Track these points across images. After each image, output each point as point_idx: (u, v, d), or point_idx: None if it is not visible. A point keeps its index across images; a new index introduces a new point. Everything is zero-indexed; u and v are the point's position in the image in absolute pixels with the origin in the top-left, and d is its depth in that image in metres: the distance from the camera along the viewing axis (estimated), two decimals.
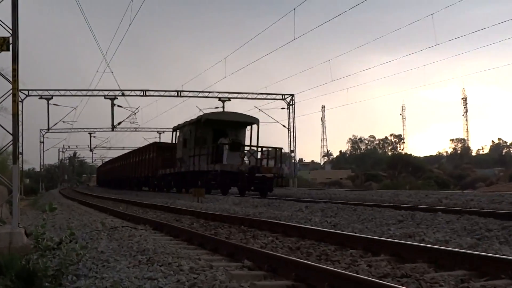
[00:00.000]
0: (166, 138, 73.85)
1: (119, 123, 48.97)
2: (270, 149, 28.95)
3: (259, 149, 29.32)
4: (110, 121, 46.86)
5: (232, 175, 27.40)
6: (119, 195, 37.32)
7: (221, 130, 30.21)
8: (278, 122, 51.23)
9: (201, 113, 34.57)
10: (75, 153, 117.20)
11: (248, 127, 31.06)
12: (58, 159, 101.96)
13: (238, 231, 11.65)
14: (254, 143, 30.09)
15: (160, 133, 74.18)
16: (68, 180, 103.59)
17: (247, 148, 29.24)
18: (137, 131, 68.69)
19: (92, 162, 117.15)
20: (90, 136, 75.69)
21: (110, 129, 48.64)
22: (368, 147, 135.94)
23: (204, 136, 30.14)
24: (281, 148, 29.46)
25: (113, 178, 64.72)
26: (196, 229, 11.60)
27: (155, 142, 48.37)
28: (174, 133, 35.42)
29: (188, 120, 32.61)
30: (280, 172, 28.44)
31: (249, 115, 31.92)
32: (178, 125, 34.28)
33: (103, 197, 33.47)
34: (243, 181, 27.32)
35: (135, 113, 51.16)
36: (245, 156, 28.87)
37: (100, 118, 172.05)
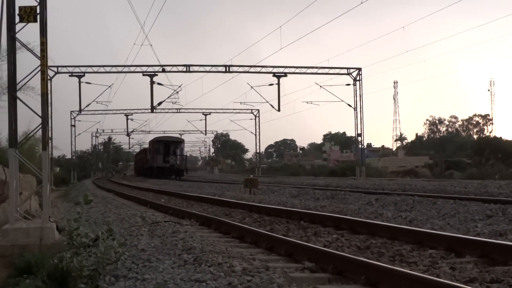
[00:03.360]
0: (213, 119, 76.05)
1: (160, 104, 49.91)
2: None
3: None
4: (149, 101, 47.51)
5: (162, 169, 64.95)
6: (159, 186, 38.78)
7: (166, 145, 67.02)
8: (342, 101, 51.00)
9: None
10: (110, 138, 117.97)
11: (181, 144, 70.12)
12: (91, 144, 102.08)
13: (297, 227, 11.79)
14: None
15: (206, 115, 74.87)
16: (103, 169, 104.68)
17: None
18: (179, 112, 70.02)
19: (130, 148, 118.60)
20: (127, 119, 76.64)
21: (149, 111, 49.37)
22: (449, 129, 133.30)
23: (157, 148, 67.11)
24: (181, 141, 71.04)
25: (146, 167, 71.56)
26: (248, 225, 11.77)
27: (154, 139, 69.85)
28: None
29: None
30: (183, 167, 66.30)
31: (178, 137, 75.64)
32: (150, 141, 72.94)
33: (142, 188, 34.72)
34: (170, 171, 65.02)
35: (178, 92, 52.39)
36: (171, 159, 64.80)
37: (138, 98, 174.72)
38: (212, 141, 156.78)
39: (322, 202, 18.30)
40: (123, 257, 8.26)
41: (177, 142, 69.81)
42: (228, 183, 39.38)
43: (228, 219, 13.17)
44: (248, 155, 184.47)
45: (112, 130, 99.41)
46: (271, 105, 52.58)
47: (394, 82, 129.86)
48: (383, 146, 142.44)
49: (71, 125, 69.21)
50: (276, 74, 49.90)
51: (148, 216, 13.95)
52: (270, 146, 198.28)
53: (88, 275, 7.63)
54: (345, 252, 8.11)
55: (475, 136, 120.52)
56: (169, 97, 51.72)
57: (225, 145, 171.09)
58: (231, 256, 7.79)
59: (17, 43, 12.30)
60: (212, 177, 68.99)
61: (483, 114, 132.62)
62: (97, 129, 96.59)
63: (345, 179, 42.31)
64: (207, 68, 49.37)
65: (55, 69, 47.87)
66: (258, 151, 78.36)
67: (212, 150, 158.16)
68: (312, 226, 11.68)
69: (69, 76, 48.19)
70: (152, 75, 47.24)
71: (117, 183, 49.66)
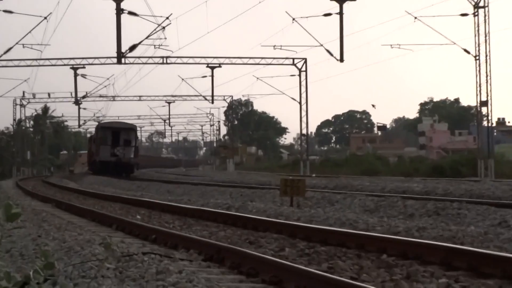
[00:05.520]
0: (226, 75, 69.87)
1: (133, 48, 36.07)
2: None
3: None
4: (115, 44, 32.97)
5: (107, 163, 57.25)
6: (134, 191, 32.34)
7: (115, 133, 59.12)
8: (453, 43, 36.98)
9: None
10: (46, 108, 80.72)
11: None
12: (13, 119, 68.72)
13: (375, 265, 8.63)
14: None
15: (212, 68, 55.24)
16: (33, 163, 74.34)
17: None
18: (167, 63, 51.91)
19: (80, 126, 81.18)
20: (76, 74, 53.66)
21: (115, 60, 36.62)
22: None
23: (103, 137, 58.97)
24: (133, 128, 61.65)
25: (92, 160, 63.14)
26: (291, 260, 8.89)
27: (99, 125, 62.83)
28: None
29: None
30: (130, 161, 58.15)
31: (131, 124, 67.39)
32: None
33: (103, 196, 26.75)
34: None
35: (164, 28, 38.40)
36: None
37: (97, 40, 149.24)
38: (225, 113, 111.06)
39: (419, 221, 13.54)
40: None
41: (129, 130, 61.48)
42: (253, 187, 29.24)
43: (254, 250, 9.86)
44: (287, 139, 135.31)
45: (49, 95, 67.58)
46: (328, 51, 36.59)
47: None
48: None
49: None
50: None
51: (116, 244, 9.88)
52: (325, 124, 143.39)
53: None
54: None
55: None
56: (149, 36, 36.88)
57: (247, 121, 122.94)
58: None
59: None
60: (224, 177, 49.58)
61: None
62: (23, 92, 66.34)
63: (459, 181, 31.23)
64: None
65: None
66: (305, 131, 54.02)
67: (223, 130, 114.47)
68: (402, 264, 8.50)
69: None
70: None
71: (59, 187, 38.57)
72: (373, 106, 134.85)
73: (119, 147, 58.28)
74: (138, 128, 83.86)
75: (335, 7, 35.00)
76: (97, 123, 71.67)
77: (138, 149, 63.02)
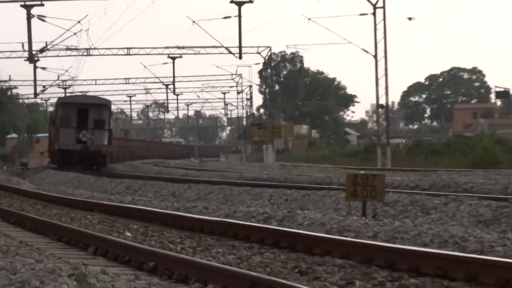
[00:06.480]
0: (259, 18, 53.14)
1: None
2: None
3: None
4: None
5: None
6: (121, 193, 26.49)
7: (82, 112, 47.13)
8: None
9: None
10: None
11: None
12: None
13: None
14: None
15: (239, 4, 43.22)
16: None
17: None
18: None
19: (38, 96, 65.47)
20: (29, 15, 43.70)
21: None
22: None
23: (65, 116, 47.44)
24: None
25: (51, 149, 52.06)
26: None
27: (59, 100, 50.05)
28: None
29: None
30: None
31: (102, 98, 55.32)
32: None
33: (74, 202, 21.29)
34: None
35: None
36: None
37: None
38: (260, 74, 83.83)
39: None
40: None
41: (101, 107, 48.99)
42: (304, 187, 23.11)
43: (307, 284, 8.04)
44: (356, 113, 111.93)
45: None
46: None
47: None
48: None
49: None
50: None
51: (94, 276, 7.88)
52: (415, 89, 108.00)
53: None
54: None
55: None
56: None
57: (293, 87, 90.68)
58: None
59: None
60: (259, 172, 39.62)
61: None
62: None
63: None
64: None
65: None
66: (384, 100, 41.74)
67: (258, 99, 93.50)
68: None
69: None
70: None
71: (6, 189, 29.83)
72: None
73: (86, 130, 46.81)
74: (127, 98, 70.11)
75: None
76: (62, 91, 61.61)
77: (112, 132, 52.01)
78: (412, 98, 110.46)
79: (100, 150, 46.42)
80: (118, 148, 66.93)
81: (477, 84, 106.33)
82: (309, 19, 46.46)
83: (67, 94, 64.89)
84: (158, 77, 68.64)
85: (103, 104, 49.48)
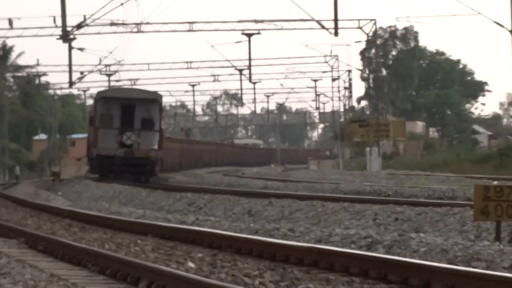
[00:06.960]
0: None
1: None
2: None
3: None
4: None
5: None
6: (180, 214, 23.18)
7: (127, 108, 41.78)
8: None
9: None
10: (5, 49, 54.48)
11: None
12: None
13: None
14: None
15: None
16: None
17: None
18: None
19: (73, 85, 54.99)
20: None
21: None
22: None
23: (106, 114, 42.01)
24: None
25: (90, 156, 45.20)
26: None
27: (98, 94, 43.72)
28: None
29: None
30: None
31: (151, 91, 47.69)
32: None
33: (119, 224, 19.29)
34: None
35: None
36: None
37: None
38: (362, 56, 74.00)
39: None
40: None
41: (149, 101, 42.87)
42: (419, 202, 20.55)
43: None
44: (488, 106, 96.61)
45: (11, 24, 45.88)
46: None
47: None
48: None
49: None
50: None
51: None
52: None
53: None
54: None
55: None
56: None
57: (406, 71, 77.64)
58: None
59: None
60: (360, 183, 35.53)
61: None
62: None
63: None
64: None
65: None
66: None
67: (359, 88, 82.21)
68: None
69: None
70: None
71: (33, 206, 27.54)
72: None
73: (131, 131, 40.99)
74: (189, 88, 61.20)
75: None
76: (106, 78, 54.74)
77: (163, 134, 45.23)
78: None
79: (148, 156, 40.48)
80: (176, 153, 59.93)
81: None
82: None
83: (111, 83, 57.58)
84: (229, 60, 58.48)
85: (152, 99, 42.86)
